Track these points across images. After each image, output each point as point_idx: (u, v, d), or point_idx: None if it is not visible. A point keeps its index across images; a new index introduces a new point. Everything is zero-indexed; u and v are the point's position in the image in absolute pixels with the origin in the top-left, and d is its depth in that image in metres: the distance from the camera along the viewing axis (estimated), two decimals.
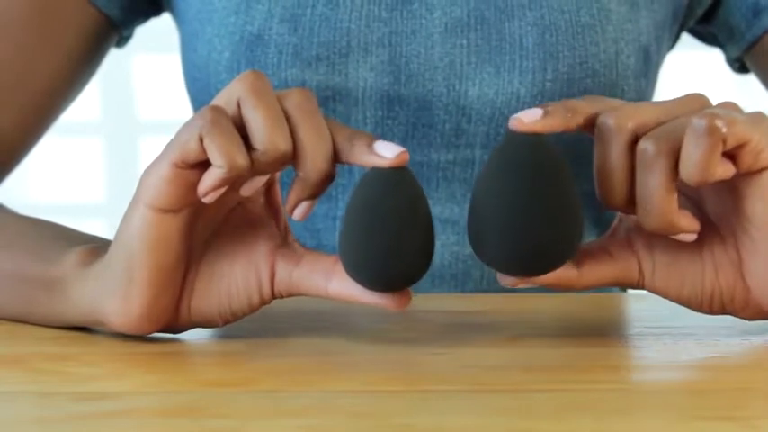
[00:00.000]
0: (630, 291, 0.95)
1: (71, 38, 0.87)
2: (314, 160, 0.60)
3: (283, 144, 0.59)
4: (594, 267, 0.62)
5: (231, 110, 0.60)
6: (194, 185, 0.60)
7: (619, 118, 0.60)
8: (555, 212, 0.58)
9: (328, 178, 0.61)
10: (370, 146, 0.60)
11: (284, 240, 0.63)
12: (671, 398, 0.52)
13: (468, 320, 0.70)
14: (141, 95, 2.33)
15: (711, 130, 0.57)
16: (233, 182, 0.60)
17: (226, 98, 0.61)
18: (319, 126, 0.60)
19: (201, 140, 0.59)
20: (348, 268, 0.60)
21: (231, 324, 0.67)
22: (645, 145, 0.59)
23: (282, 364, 0.59)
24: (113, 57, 0.93)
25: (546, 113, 0.60)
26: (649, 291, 0.63)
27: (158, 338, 0.64)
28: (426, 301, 0.77)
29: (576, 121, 0.61)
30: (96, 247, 0.66)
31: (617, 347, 0.62)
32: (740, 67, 0.92)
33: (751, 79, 0.95)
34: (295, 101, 0.61)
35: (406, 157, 0.59)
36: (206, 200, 0.59)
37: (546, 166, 0.58)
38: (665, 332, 0.65)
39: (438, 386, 0.55)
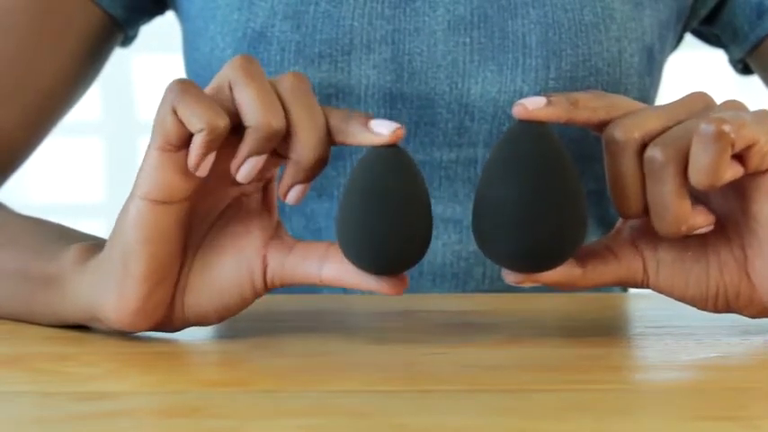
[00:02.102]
0: (632, 290, 0.95)
1: (74, 38, 0.87)
2: (306, 141, 0.60)
3: (275, 121, 0.59)
4: (599, 267, 0.62)
5: (224, 95, 0.60)
6: (184, 170, 0.60)
7: (625, 130, 0.59)
8: (559, 206, 0.58)
9: (321, 161, 0.60)
10: (365, 124, 0.60)
11: (276, 233, 0.63)
12: (671, 398, 0.52)
13: (468, 320, 0.70)
14: (141, 95, 2.34)
15: (719, 136, 0.56)
16: (218, 147, 0.59)
17: (217, 83, 0.61)
18: (312, 107, 0.60)
19: (176, 113, 0.59)
20: (345, 249, 0.60)
21: (231, 324, 0.67)
22: (652, 153, 0.58)
23: (282, 364, 0.59)
24: (113, 57, 0.93)
25: (549, 102, 0.60)
26: (654, 290, 0.63)
27: (158, 338, 0.64)
28: (426, 301, 0.77)
29: (579, 113, 0.61)
30: (94, 245, 0.66)
31: (618, 347, 0.62)
32: (743, 68, 0.92)
33: (753, 80, 0.95)
34: (288, 83, 0.61)
35: (402, 132, 0.59)
36: (199, 173, 0.59)
37: (550, 159, 0.58)
38: (666, 332, 0.65)
39: (438, 386, 0.55)
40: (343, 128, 0.60)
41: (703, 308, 0.63)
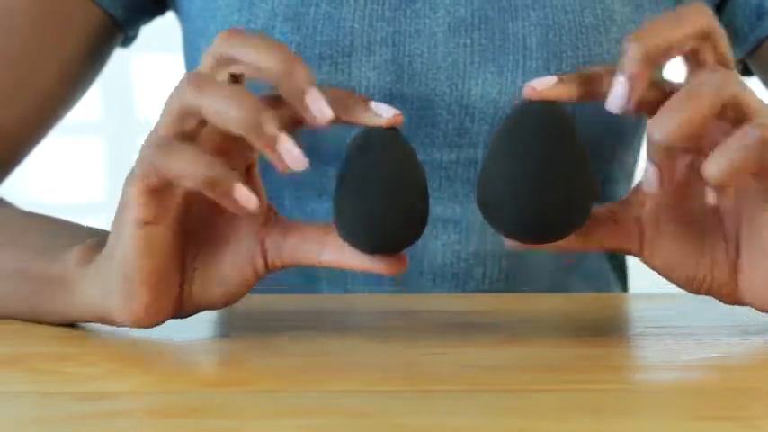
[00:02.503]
0: (632, 290, 0.95)
1: (75, 38, 0.87)
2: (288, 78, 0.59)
3: (261, 116, 0.57)
4: (598, 230, 0.62)
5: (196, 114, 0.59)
6: (171, 195, 0.61)
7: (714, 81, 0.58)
8: (567, 176, 0.58)
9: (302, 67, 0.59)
10: (367, 104, 0.60)
11: (269, 217, 0.63)
12: (671, 398, 0.52)
13: (468, 320, 0.70)
14: (141, 95, 2.34)
15: (764, 144, 0.56)
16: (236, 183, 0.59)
17: (178, 109, 0.59)
18: (268, 46, 0.59)
19: (162, 171, 0.58)
20: (342, 230, 0.60)
21: (231, 324, 0.67)
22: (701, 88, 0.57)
23: (282, 364, 0.59)
24: (113, 57, 0.93)
25: (560, 81, 0.60)
26: (644, 262, 0.64)
27: (158, 338, 0.64)
28: (426, 301, 0.77)
29: (588, 86, 0.61)
30: (96, 243, 0.66)
31: (618, 347, 0.62)
32: (743, 69, 0.92)
33: (753, 80, 0.95)
34: (223, 47, 0.60)
35: (401, 119, 0.60)
36: (250, 208, 0.59)
37: (558, 128, 0.58)
38: (665, 332, 0.65)
39: (438, 386, 0.55)
40: (345, 104, 0.61)
41: (682, 287, 0.64)
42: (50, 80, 0.87)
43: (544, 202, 0.58)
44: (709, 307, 0.74)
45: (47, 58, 0.87)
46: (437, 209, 0.84)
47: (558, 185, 0.58)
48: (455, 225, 0.84)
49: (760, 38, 0.88)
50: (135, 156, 2.31)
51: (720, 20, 0.91)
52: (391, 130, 0.60)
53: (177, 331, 0.66)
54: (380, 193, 0.59)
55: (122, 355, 0.61)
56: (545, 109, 0.59)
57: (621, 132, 0.86)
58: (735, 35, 0.90)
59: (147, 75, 2.32)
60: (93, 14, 0.88)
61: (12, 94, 0.86)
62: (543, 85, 0.60)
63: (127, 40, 0.92)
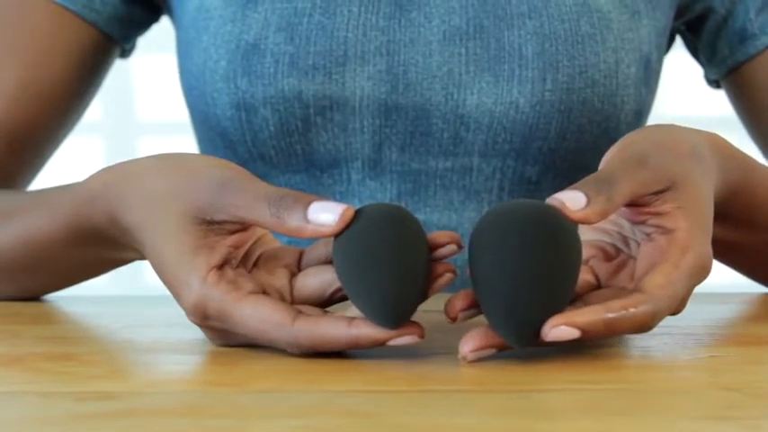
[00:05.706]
0: None
1: (76, 58, 0.89)
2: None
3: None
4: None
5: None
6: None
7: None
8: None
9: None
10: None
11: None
12: (671, 398, 0.52)
13: (469, 320, 0.70)
14: (141, 95, 2.34)
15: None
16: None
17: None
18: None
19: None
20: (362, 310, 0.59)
21: None
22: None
23: (282, 363, 0.59)
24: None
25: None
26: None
27: (158, 338, 0.64)
28: (427, 300, 0.77)
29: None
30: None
31: (617, 347, 0.62)
32: (718, 84, 0.92)
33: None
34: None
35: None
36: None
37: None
38: (665, 332, 0.65)
39: (438, 386, 0.55)
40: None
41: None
42: (51, 98, 0.88)
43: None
44: (710, 308, 0.74)
45: (51, 81, 0.87)
46: (433, 216, 0.84)
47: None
48: None
49: (739, 61, 0.89)
50: (135, 156, 2.31)
51: (703, 34, 0.91)
52: (385, 219, 0.58)
53: (177, 331, 0.66)
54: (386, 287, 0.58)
55: (122, 355, 0.61)
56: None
57: (615, 138, 0.85)
58: (713, 55, 0.90)
59: (146, 75, 2.32)
60: (90, 34, 0.89)
61: (12, 109, 0.87)
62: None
63: (125, 53, 0.93)
